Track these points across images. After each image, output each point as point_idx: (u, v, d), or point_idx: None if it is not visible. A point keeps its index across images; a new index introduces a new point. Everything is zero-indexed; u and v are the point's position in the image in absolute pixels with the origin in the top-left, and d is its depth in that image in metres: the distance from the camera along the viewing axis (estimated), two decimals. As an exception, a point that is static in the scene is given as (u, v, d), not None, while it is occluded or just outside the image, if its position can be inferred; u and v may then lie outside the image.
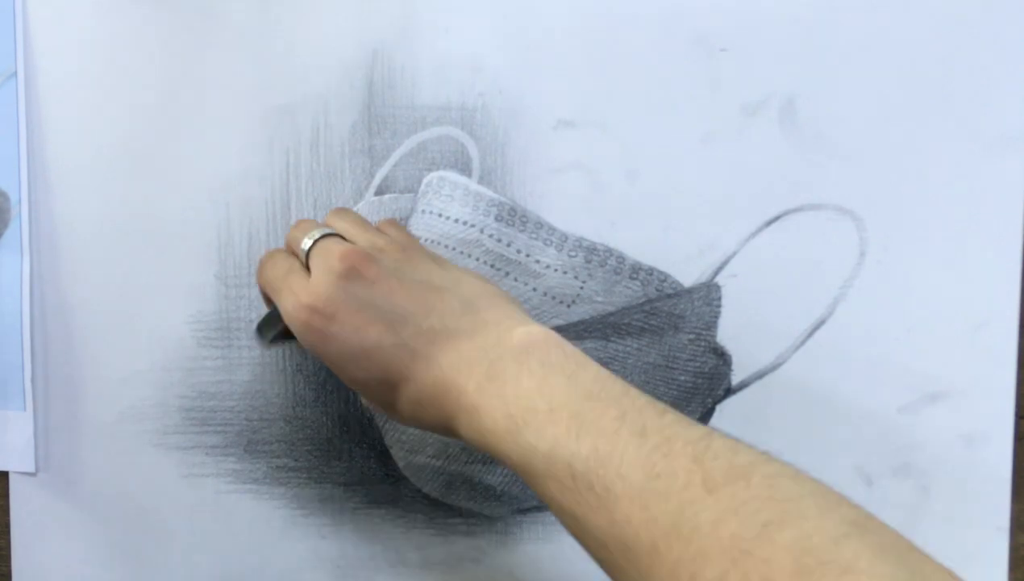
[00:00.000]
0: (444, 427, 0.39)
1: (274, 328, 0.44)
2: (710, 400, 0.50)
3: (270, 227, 0.50)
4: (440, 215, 0.49)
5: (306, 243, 0.42)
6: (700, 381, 0.50)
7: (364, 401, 0.43)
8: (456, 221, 0.49)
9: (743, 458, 0.32)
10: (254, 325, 0.45)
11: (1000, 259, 0.49)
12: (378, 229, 0.45)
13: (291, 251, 0.44)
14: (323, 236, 0.42)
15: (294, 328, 0.40)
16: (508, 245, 0.49)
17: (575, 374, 0.36)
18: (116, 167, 0.50)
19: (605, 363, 0.50)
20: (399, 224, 0.47)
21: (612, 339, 0.49)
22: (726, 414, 0.50)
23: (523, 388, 0.36)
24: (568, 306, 0.49)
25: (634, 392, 0.36)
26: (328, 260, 0.40)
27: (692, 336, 0.50)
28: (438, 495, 0.51)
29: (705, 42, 0.49)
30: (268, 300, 0.45)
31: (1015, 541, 0.50)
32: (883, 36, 0.48)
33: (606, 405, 0.35)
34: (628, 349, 0.49)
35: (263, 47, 0.49)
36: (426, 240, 0.49)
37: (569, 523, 0.34)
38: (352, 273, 0.40)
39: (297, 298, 0.40)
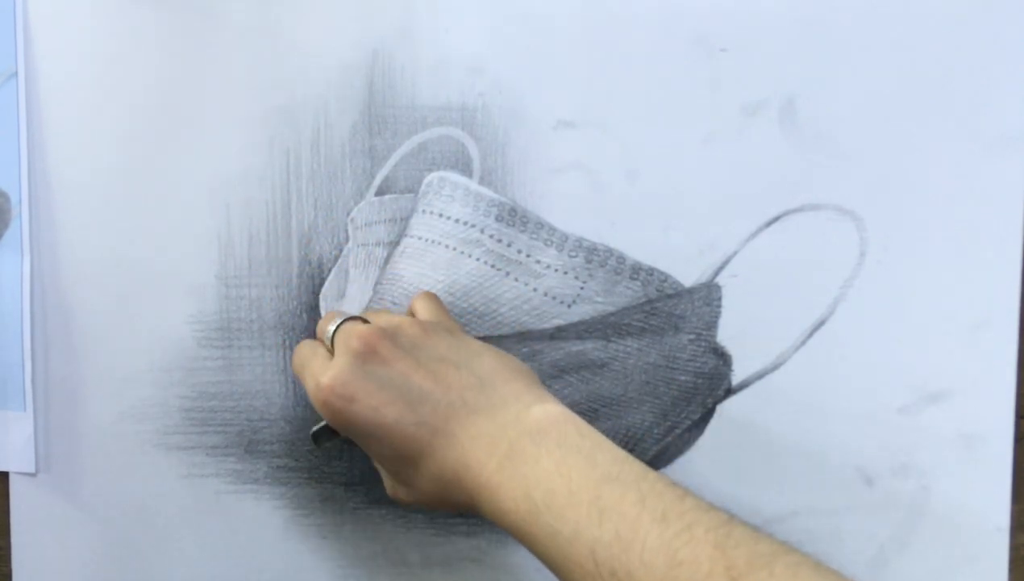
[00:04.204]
0: (467, 504, 0.39)
1: (329, 438, 0.44)
2: (710, 400, 0.50)
3: (270, 227, 0.50)
4: (441, 215, 0.49)
5: (329, 329, 0.42)
6: (700, 381, 0.50)
7: (389, 490, 0.43)
8: (457, 221, 0.49)
9: (764, 546, 0.32)
10: (311, 431, 0.46)
11: (1000, 259, 0.49)
12: (410, 307, 0.46)
13: (320, 338, 0.44)
14: (346, 320, 0.42)
15: (318, 409, 0.41)
16: (508, 245, 0.49)
17: (592, 455, 0.36)
18: (116, 167, 0.49)
19: (605, 363, 0.50)
20: (432, 298, 0.47)
21: (612, 339, 0.49)
22: (726, 414, 0.50)
23: (542, 469, 0.36)
24: (568, 306, 0.49)
25: (652, 475, 0.36)
26: (348, 341, 0.40)
27: (692, 336, 0.50)
28: (438, 495, 0.51)
29: (705, 42, 0.49)
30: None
31: (1015, 541, 0.50)
32: (883, 36, 0.48)
33: (625, 488, 0.35)
34: (628, 349, 0.49)
35: (263, 47, 0.49)
36: (427, 240, 0.49)
37: None
38: (368, 352, 0.40)
39: (317, 380, 0.40)
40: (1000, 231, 0.49)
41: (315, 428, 0.45)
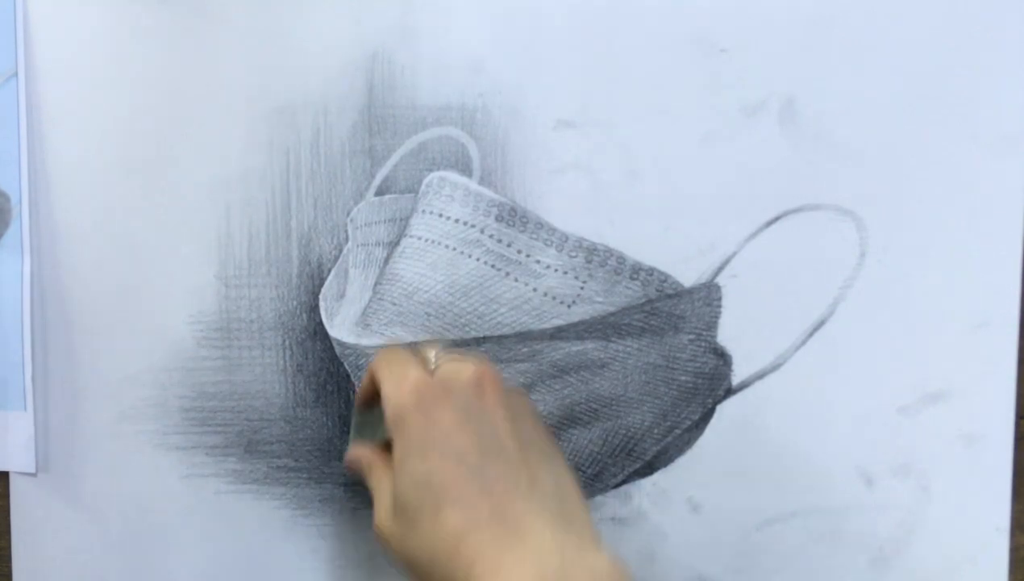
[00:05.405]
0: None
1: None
2: (710, 400, 0.50)
3: (270, 227, 0.50)
4: (440, 215, 0.49)
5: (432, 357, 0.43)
6: (700, 381, 0.50)
7: (378, 521, 0.41)
8: (456, 221, 0.49)
9: None
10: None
11: (1000, 259, 0.49)
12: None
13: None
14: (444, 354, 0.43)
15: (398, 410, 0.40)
16: (508, 245, 0.49)
17: None
18: (116, 167, 0.49)
19: (605, 363, 0.50)
20: (523, 394, 0.46)
21: (612, 339, 0.49)
22: (726, 414, 0.50)
23: None
24: (568, 306, 0.49)
25: None
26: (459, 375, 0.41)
27: (692, 336, 0.50)
28: (438, 495, 0.51)
29: (705, 42, 0.49)
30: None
31: (1015, 541, 0.50)
32: (883, 36, 0.48)
33: None
34: (628, 349, 0.49)
35: (263, 47, 0.49)
36: (426, 240, 0.49)
37: None
38: (481, 385, 0.40)
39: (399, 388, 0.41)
40: (1000, 231, 0.49)
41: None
